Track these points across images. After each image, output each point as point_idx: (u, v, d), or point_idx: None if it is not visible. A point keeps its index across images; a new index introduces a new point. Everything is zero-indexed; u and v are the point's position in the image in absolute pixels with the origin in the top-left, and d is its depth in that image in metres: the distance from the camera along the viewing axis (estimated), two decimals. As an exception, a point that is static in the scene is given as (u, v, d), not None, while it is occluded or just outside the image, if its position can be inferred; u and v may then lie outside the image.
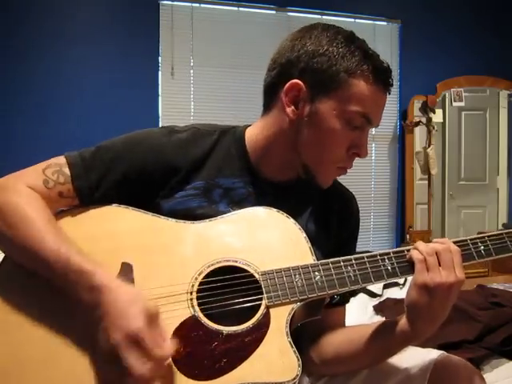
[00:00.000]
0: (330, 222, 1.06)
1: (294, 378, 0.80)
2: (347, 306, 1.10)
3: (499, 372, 1.53)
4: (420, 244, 0.90)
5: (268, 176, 1.01)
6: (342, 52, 0.92)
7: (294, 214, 0.97)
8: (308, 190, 1.04)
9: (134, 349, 0.71)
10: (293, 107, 0.95)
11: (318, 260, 0.92)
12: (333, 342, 1.01)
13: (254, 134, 1.02)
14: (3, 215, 0.85)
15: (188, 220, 0.93)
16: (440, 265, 0.86)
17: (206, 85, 3.61)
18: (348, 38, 0.94)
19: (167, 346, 0.75)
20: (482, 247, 0.93)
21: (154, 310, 0.76)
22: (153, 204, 0.95)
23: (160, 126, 3.43)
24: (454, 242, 0.91)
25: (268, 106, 1.01)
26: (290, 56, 0.95)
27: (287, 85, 0.94)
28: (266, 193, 1.00)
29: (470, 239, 0.94)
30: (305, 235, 0.94)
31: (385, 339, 0.94)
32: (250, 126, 1.05)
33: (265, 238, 0.93)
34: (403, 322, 0.90)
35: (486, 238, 0.94)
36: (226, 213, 0.96)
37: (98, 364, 0.77)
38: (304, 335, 1.04)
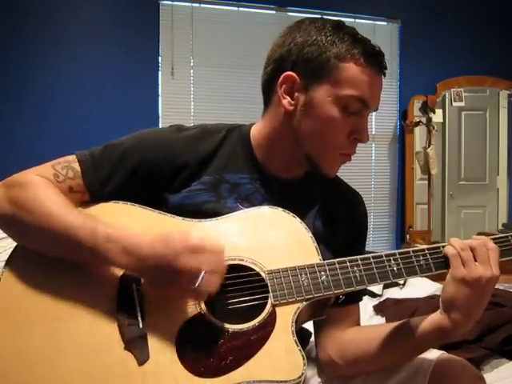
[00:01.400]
0: (338, 221, 1.06)
1: (299, 377, 0.80)
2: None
3: (499, 372, 1.52)
4: (454, 240, 0.90)
5: (274, 173, 1.02)
6: (331, 39, 0.93)
7: (302, 211, 0.98)
8: (315, 187, 1.04)
9: (199, 254, 0.79)
10: (289, 98, 0.96)
11: (324, 259, 0.92)
12: (356, 342, 1.01)
13: (257, 131, 1.04)
14: (23, 204, 0.87)
15: (195, 215, 0.94)
16: (476, 260, 0.86)
17: (206, 85, 3.61)
18: (336, 25, 0.95)
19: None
20: None
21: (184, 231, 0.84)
22: (160, 198, 0.96)
23: (160, 126, 3.44)
24: (493, 239, 0.91)
25: (266, 103, 1.03)
26: (281, 51, 0.97)
27: (281, 77, 0.95)
28: (273, 189, 1.01)
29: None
30: (311, 235, 0.94)
31: (418, 336, 0.92)
32: (255, 123, 1.06)
33: (271, 237, 0.93)
34: (440, 317, 0.89)
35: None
36: (233, 208, 0.96)
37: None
38: (320, 336, 1.05)
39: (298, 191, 1.03)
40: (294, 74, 0.94)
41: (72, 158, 0.95)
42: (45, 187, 0.89)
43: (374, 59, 0.93)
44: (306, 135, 0.97)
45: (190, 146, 0.99)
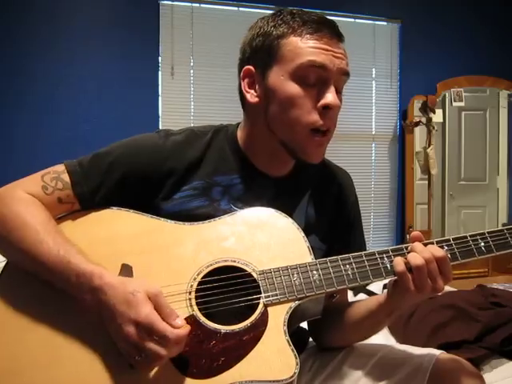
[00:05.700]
0: (328, 206, 1.07)
1: (292, 377, 0.80)
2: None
3: (499, 372, 1.52)
4: (412, 255, 0.88)
5: (264, 170, 1.03)
6: (272, 24, 0.96)
7: (295, 202, 0.99)
8: (305, 174, 1.05)
9: (150, 335, 0.74)
10: (252, 91, 0.99)
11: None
12: (345, 312, 1.07)
13: (241, 130, 1.05)
14: (3, 221, 0.86)
15: (190, 221, 0.94)
16: (428, 275, 0.86)
17: (206, 85, 3.61)
18: (277, 11, 0.99)
19: (179, 323, 0.76)
20: (483, 243, 0.92)
21: (155, 291, 0.78)
22: (152, 206, 0.96)
23: (160, 126, 3.45)
24: (454, 239, 0.91)
25: (242, 105, 1.05)
26: (240, 56, 1.02)
27: (241, 74, 0.99)
28: (265, 186, 1.02)
29: (470, 235, 0.93)
30: (303, 234, 0.94)
31: (371, 312, 0.99)
32: (241, 122, 1.08)
33: (263, 238, 0.93)
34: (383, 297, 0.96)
35: (487, 235, 0.93)
36: (227, 210, 0.97)
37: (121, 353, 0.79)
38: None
39: (289, 184, 1.04)
40: (250, 67, 0.98)
41: (61, 168, 0.95)
42: (27, 205, 0.88)
43: (316, 26, 0.94)
44: (275, 121, 0.97)
45: (177, 151, 0.99)
